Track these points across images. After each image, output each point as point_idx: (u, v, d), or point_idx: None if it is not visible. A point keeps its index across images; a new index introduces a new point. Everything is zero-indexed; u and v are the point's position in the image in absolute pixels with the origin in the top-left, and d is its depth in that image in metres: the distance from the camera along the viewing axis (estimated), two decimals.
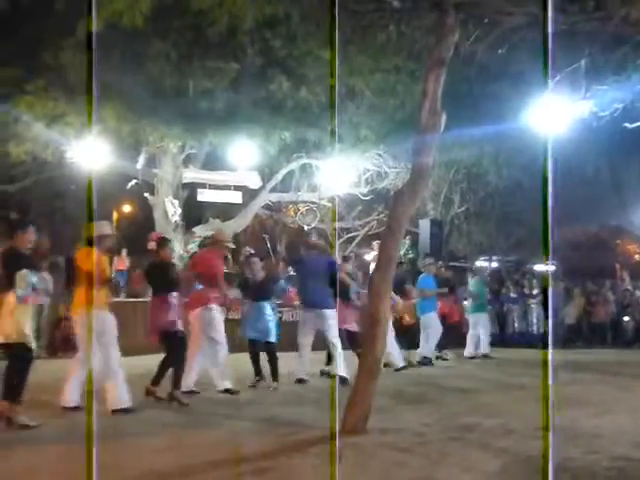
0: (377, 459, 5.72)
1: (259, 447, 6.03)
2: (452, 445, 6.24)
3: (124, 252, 18.62)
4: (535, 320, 17.09)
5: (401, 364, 11.31)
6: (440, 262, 15.60)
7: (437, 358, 13.45)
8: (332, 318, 9.82)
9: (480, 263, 27.09)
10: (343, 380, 9.36)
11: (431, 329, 12.86)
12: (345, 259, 11.49)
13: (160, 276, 8.30)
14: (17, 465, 5.37)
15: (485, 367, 12.72)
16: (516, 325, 17.26)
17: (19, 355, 6.81)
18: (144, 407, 7.81)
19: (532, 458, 5.58)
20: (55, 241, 13.79)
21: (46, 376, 8.40)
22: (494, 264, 28.71)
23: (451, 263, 20.04)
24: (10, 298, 6.74)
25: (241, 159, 16.34)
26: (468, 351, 14.03)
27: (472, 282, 14.49)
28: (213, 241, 9.33)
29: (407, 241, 20.09)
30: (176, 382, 8.11)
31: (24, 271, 6.67)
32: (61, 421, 7.03)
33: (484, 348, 14.08)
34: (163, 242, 8.66)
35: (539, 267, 23.09)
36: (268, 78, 15.14)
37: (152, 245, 8.68)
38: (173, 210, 16.33)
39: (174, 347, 8.20)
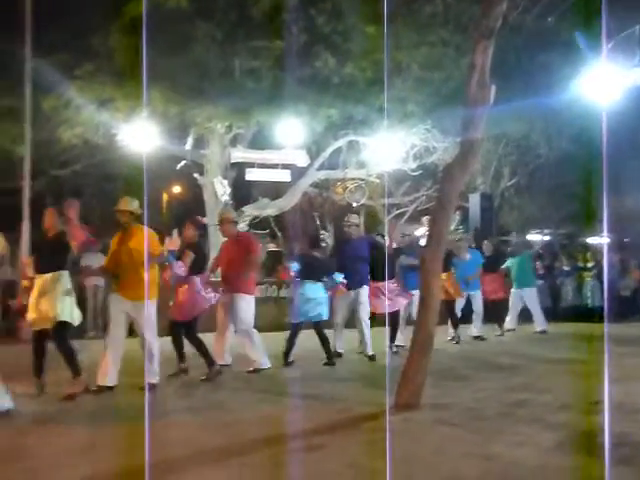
0: (430, 434, 5.72)
1: (312, 423, 6.09)
2: (505, 420, 6.20)
3: (175, 233, 18.78)
4: (589, 293, 16.78)
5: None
6: (489, 237, 15.45)
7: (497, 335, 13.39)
8: (366, 296, 9.91)
9: (531, 237, 26.78)
10: (371, 357, 9.67)
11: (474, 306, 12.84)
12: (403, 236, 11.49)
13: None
14: (79, 440, 5.51)
15: (538, 342, 12.58)
16: (570, 299, 16.98)
17: (61, 333, 7.03)
18: (191, 385, 7.95)
19: (587, 433, 5.53)
20: (107, 224, 13.99)
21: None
22: (546, 237, 28.33)
23: (502, 237, 19.83)
24: (55, 278, 6.93)
25: (288, 137, 16.32)
26: (509, 324, 13.83)
27: (511, 259, 14.19)
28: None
29: (457, 216, 19.89)
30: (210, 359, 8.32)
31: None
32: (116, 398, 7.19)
33: (539, 324, 13.86)
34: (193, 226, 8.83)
35: (593, 239, 22.69)
36: (313, 55, 15.07)
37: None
38: (222, 190, 16.42)
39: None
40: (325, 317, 9.53)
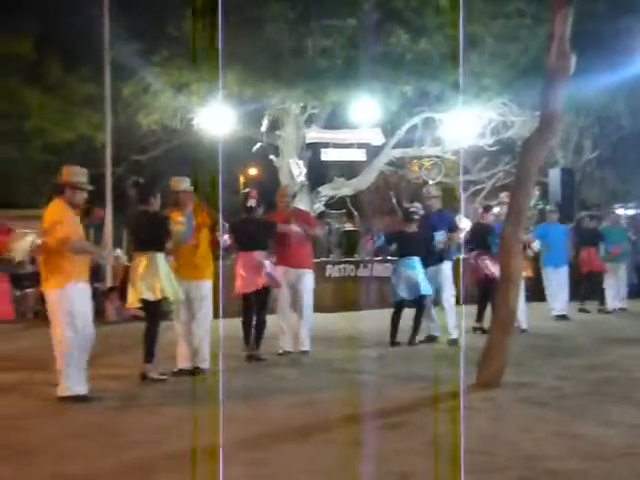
0: (514, 413, 5.66)
1: (391, 402, 6.09)
2: (591, 399, 6.08)
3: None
4: None
5: (524, 326, 10.35)
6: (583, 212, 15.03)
7: (579, 310, 13.05)
8: (449, 271, 9.68)
9: (616, 211, 25.98)
10: (453, 342, 9.29)
11: (547, 282, 12.38)
12: (486, 209, 10.94)
13: (252, 235, 8.32)
14: (165, 419, 5.66)
15: (624, 319, 12.24)
16: None
17: (158, 313, 7.20)
18: (270, 366, 8.04)
19: None
20: None
21: None
22: (630, 212, 27.46)
23: (584, 212, 19.29)
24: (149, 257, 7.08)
25: (363, 116, 16.23)
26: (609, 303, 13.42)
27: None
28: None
29: (537, 191, 19.46)
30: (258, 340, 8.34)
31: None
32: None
33: (616, 301, 13.41)
34: (259, 204, 8.51)
35: None
36: (386, 32, 14.90)
37: (253, 202, 8.53)
38: (298, 171, 16.48)
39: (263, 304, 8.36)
40: (427, 293, 9.27)
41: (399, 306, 9.40)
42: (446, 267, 9.65)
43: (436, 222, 9.62)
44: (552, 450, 4.67)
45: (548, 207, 13.20)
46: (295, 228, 8.40)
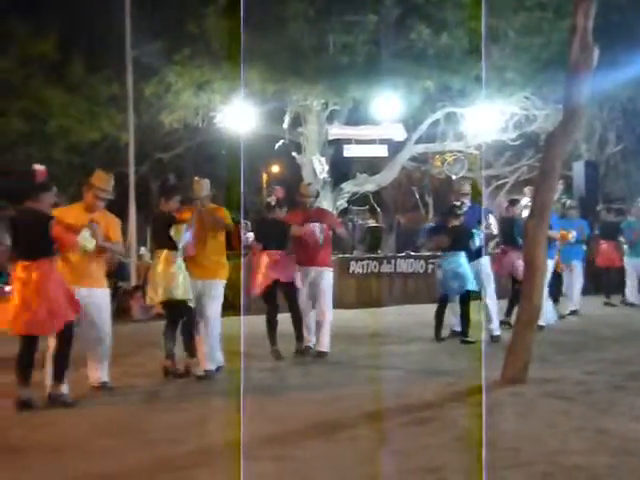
0: (540, 408, 5.64)
1: (417, 398, 6.09)
2: (617, 394, 6.05)
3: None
4: None
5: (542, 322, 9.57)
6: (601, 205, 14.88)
7: (605, 304, 12.95)
8: (488, 266, 9.55)
9: None
10: (496, 338, 9.13)
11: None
12: (512, 202, 10.79)
13: (272, 233, 8.33)
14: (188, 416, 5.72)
15: None
16: None
17: (183, 312, 7.24)
18: (295, 363, 8.07)
19: None
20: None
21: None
22: None
23: (602, 205, 19.12)
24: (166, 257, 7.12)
25: (385, 112, 16.19)
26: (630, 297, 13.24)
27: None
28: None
29: (561, 185, 19.32)
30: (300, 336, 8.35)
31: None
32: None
33: (630, 297, 13.13)
34: (281, 203, 8.51)
35: None
36: (407, 27, 14.88)
37: (273, 199, 8.56)
38: (321, 168, 16.48)
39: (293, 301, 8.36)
40: (472, 288, 9.11)
41: (443, 301, 9.30)
42: (485, 263, 9.51)
43: (470, 218, 9.50)
44: (578, 445, 4.66)
45: (568, 202, 12.95)
46: (310, 230, 8.33)
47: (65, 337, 6.14)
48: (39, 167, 6.83)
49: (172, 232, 7.11)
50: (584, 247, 12.27)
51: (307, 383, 6.91)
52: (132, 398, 6.40)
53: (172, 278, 7.08)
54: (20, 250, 6.06)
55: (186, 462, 4.54)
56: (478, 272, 9.29)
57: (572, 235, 10.92)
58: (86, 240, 6.24)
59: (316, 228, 8.43)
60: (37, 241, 6.05)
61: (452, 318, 9.60)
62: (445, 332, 9.38)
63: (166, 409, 6.02)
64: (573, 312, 11.75)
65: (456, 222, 9.25)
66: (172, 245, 7.16)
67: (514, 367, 6.54)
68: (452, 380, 6.72)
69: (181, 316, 7.27)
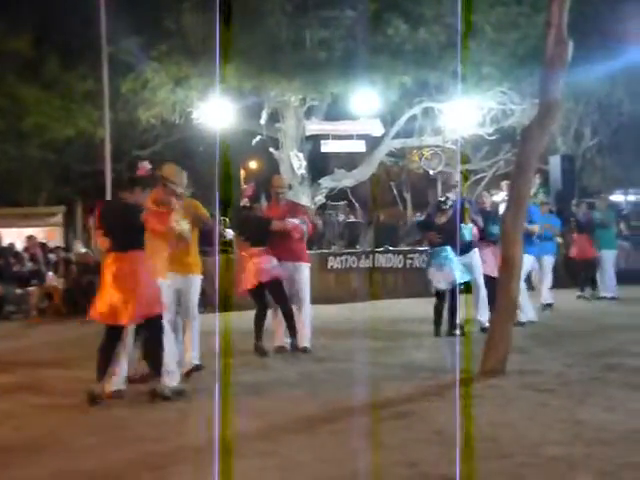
0: (518, 400, 5.68)
1: (397, 392, 6.12)
2: (594, 385, 6.11)
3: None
4: None
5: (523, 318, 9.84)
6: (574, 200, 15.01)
7: (578, 297, 13.04)
8: (478, 260, 9.49)
9: (616, 197, 25.95)
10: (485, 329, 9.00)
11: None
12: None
13: (255, 230, 8.31)
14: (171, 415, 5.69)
15: (624, 305, 12.21)
16: None
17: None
18: (274, 359, 8.06)
19: None
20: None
21: None
22: (631, 198, 27.47)
23: (584, 199, 19.32)
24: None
25: (362, 107, 16.24)
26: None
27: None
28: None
29: (537, 179, 19.46)
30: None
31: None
32: None
33: (608, 290, 13.11)
34: (253, 200, 8.50)
35: None
36: (385, 22, 14.89)
37: (245, 201, 8.50)
38: (298, 163, 16.49)
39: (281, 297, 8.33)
40: (462, 281, 9.06)
41: (440, 296, 9.22)
42: (476, 255, 9.47)
43: (459, 213, 9.41)
44: (556, 436, 4.70)
45: (541, 197, 12.99)
46: (290, 223, 8.33)
47: (156, 330, 6.06)
48: (145, 163, 6.65)
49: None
50: (556, 242, 12.23)
51: (288, 378, 6.91)
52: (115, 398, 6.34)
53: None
54: (112, 241, 6.02)
55: (169, 460, 4.53)
56: (469, 265, 9.32)
57: (536, 228, 10.79)
58: (180, 223, 6.26)
59: (296, 220, 8.42)
60: (128, 232, 6.01)
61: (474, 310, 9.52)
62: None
63: (147, 407, 5.98)
64: (548, 305, 11.76)
65: (443, 218, 9.28)
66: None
67: (493, 360, 6.58)
68: (431, 374, 6.75)
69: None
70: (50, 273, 14.06)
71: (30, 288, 13.59)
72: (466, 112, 16.24)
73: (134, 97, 15.83)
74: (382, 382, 6.51)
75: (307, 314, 8.44)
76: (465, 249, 9.26)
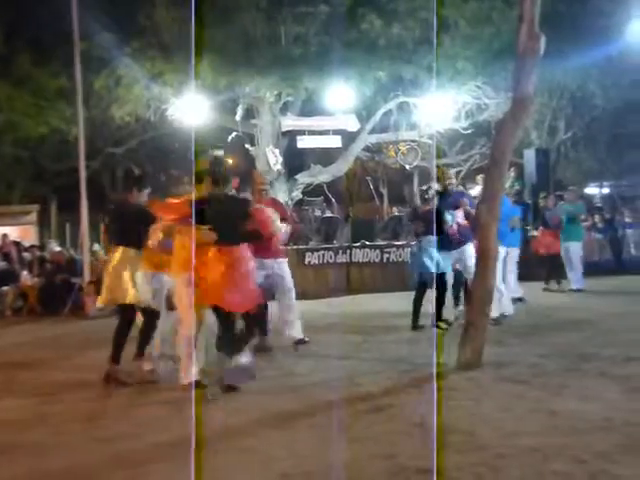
0: (495, 392, 5.72)
1: (375, 386, 6.14)
2: (569, 375, 6.16)
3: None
4: None
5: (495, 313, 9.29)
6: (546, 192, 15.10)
7: (544, 290, 13.08)
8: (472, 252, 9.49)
9: (590, 190, 26.19)
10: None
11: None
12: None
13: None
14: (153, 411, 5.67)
15: (598, 296, 12.30)
16: (632, 251, 16.59)
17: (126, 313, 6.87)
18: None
19: None
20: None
21: None
22: (605, 190, 27.74)
23: (558, 192, 19.47)
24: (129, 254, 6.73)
25: (338, 103, 16.24)
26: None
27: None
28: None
29: (512, 173, 19.58)
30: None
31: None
32: None
33: (575, 282, 13.02)
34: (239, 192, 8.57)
35: None
36: (359, 18, 14.90)
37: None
38: (275, 159, 16.46)
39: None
40: (449, 270, 9.15)
41: (421, 288, 9.22)
42: (470, 250, 9.23)
43: (453, 204, 9.36)
44: (532, 427, 4.74)
45: (508, 188, 12.88)
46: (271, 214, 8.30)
47: (252, 319, 6.62)
48: (218, 152, 7.28)
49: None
50: (519, 234, 12.08)
51: (265, 374, 6.89)
52: (87, 394, 6.32)
53: (123, 279, 6.63)
54: (218, 235, 6.20)
55: (146, 457, 4.52)
56: (462, 259, 9.33)
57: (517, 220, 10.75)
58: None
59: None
60: (236, 227, 6.37)
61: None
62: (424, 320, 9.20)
63: (123, 404, 5.96)
64: (519, 299, 11.70)
65: (427, 207, 9.29)
66: (135, 242, 6.73)
67: (469, 352, 6.62)
68: (409, 367, 6.78)
69: (133, 320, 6.84)
70: (25, 272, 13.96)
71: (4, 288, 13.47)
72: (441, 107, 16.29)
73: (108, 94, 15.71)
74: (361, 376, 6.53)
75: (294, 304, 8.43)
76: (456, 241, 9.25)
